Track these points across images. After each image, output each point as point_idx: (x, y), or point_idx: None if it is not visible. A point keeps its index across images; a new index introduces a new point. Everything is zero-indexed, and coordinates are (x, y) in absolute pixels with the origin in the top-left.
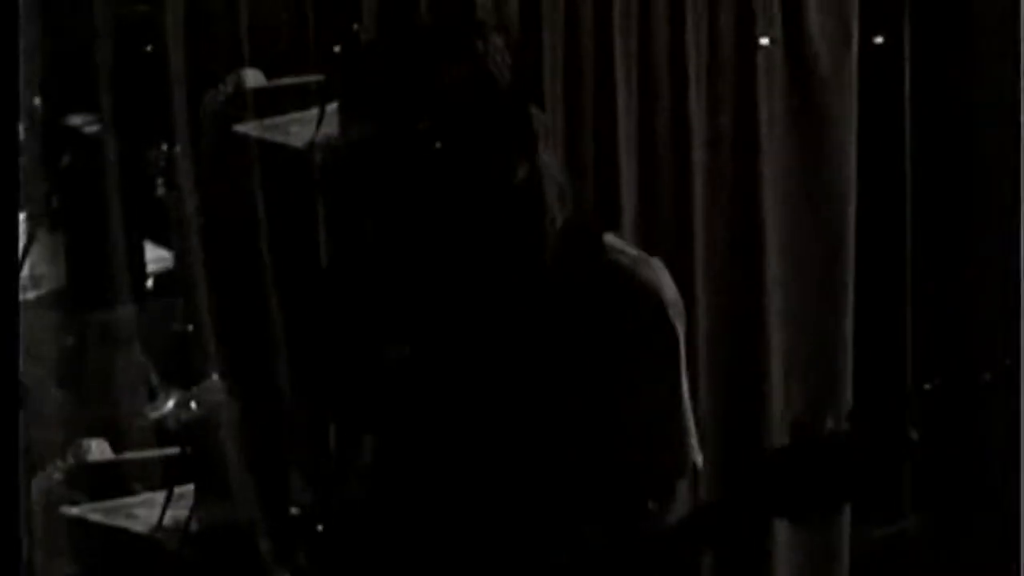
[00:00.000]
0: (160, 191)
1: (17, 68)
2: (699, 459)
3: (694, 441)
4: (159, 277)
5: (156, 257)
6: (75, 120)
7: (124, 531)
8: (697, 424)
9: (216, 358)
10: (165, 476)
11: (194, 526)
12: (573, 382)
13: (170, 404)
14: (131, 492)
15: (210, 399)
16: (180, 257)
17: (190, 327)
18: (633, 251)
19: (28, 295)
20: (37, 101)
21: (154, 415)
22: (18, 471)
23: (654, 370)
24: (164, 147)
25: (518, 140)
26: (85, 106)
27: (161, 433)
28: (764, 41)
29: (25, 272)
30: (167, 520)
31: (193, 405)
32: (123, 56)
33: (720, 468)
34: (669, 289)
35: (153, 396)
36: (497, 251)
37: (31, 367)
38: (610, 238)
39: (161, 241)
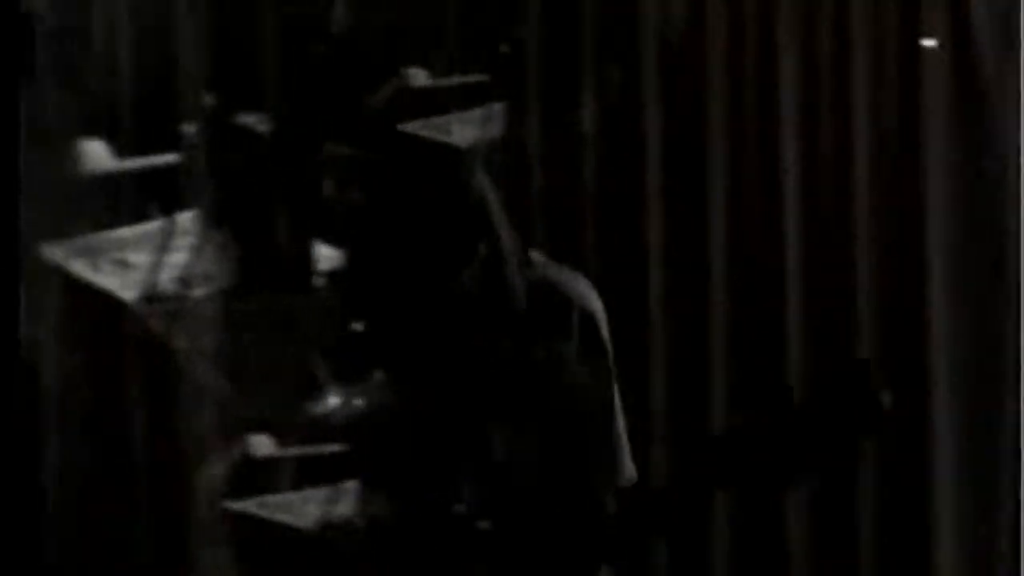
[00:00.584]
0: (329, 190)
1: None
2: (633, 474)
3: (628, 456)
4: (327, 275)
5: (323, 256)
6: (245, 119)
7: (288, 527)
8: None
9: (381, 355)
10: (329, 472)
11: (359, 523)
12: (514, 393)
13: (335, 400)
14: (295, 488)
15: (375, 396)
16: (347, 255)
17: (357, 325)
18: (559, 267)
19: (197, 292)
20: (208, 99)
21: (319, 411)
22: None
23: (589, 381)
24: (332, 147)
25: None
26: (255, 105)
27: (326, 429)
28: (928, 43)
29: (196, 270)
30: (331, 516)
31: (358, 402)
32: (292, 56)
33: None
34: (598, 303)
35: (319, 392)
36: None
37: (197, 363)
38: (535, 254)
39: (328, 240)
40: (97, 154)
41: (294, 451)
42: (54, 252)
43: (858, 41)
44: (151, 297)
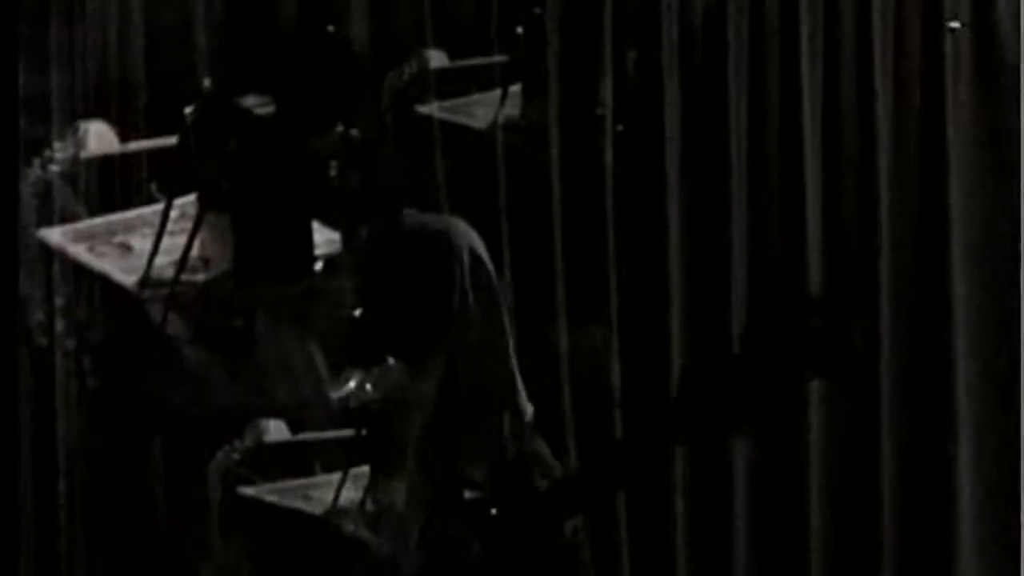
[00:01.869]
0: (333, 173)
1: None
2: (529, 410)
3: (523, 393)
4: (329, 260)
5: (326, 240)
6: (248, 101)
7: (298, 512)
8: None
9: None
10: (342, 457)
11: (368, 507)
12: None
13: (351, 386)
14: (309, 473)
15: (387, 381)
16: (352, 239)
17: (359, 311)
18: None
19: (197, 277)
20: (207, 82)
21: (335, 396)
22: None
23: (483, 318)
24: (340, 128)
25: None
26: (257, 87)
27: (341, 414)
28: (953, 25)
29: (195, 253)
30: (342, 501)
31: (369, 387)
32: (300, 37)
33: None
34: (480, 244)
35: (334, 377)
36: None
37: (203, 350)
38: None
39: (331, 223)
40: (102, 136)
41: (308, 436)
42: (53, 235)
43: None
44: (147, 282)
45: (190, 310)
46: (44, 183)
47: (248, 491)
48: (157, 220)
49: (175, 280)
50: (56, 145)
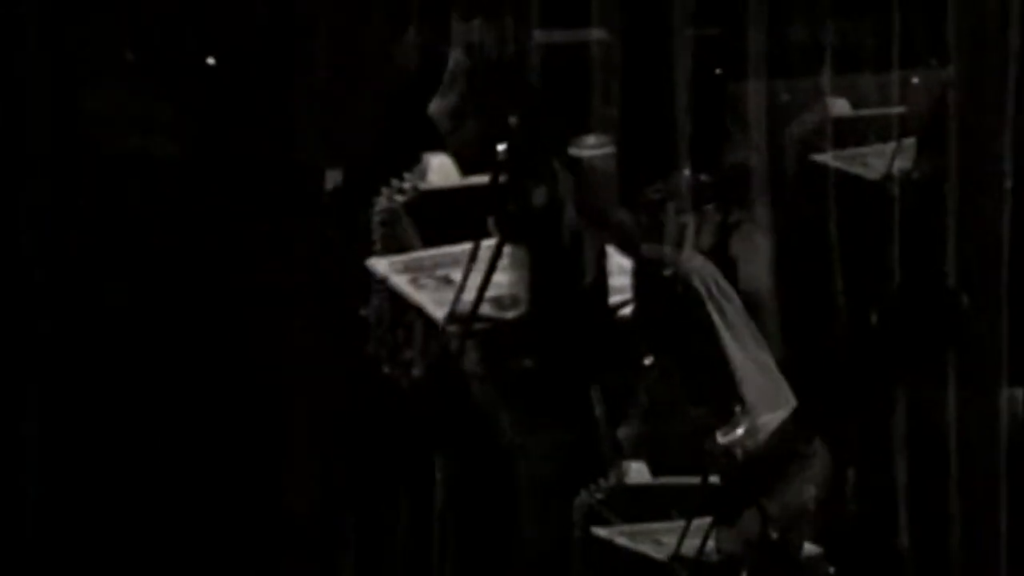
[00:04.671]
0: (668, 215)
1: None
2: None
3: None
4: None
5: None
6: (588, 141)
7: (644, 557)
8: None
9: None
10: (700, 504)
11: (709, 558)
12: None
13: (739, 432)
14: (665, 517)
15: (775, 431)
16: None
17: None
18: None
19: (507, 314)
20: (512, 120)
21: (723, 440)
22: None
23: None
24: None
25: None
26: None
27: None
28: None
29: (508, 292)
30: (685, 548)
31: (760, 435)
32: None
33: None
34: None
35: (726, 423)
36: None
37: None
38: None
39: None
40: (443, 168)
41: (668, 481)
42: (380, 265)
43: None
44: (454, 316)
45: (487, 346)
46: (390, 212)
47: (602, 531)
48: (486, 256)
49: (471, 316)
50: (405, 176)
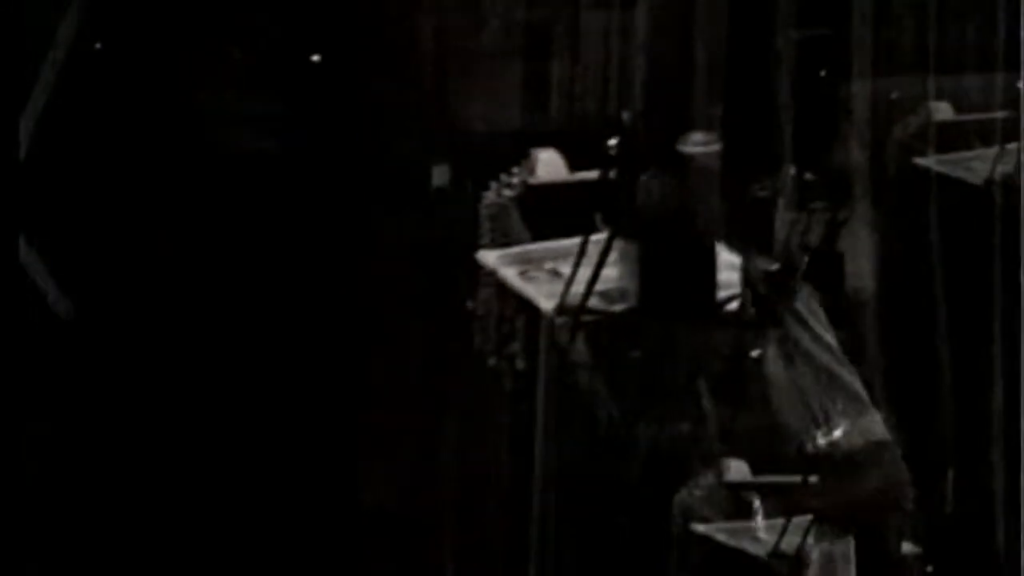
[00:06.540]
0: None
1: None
2: None
3: None
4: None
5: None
6: (695, 138)
7: (742, 553)
8: None
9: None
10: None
11: (809, 557)
12: None
13: (837, 435)
14: (765, 515)
15: (869, 434)
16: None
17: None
18: None
19: (615, 307)
20: (626, 115)
21: (822, 442)
22: None
23: None
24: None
25: None
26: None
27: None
28: None
29: (616, 285)
30: (784, 546)
31: (857, 438)
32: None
33: None
34: None
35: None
36: None
37: (589, 379)
38: None
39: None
40: (551, 163)
41: (768, 479)
42: (490, 257)
43: None
44: (563, 308)
45: (595, 339)
46: (499, 207)
47: (701, 528)
48: (595, 250)
49: (580, 308)
50: (514, 170)
